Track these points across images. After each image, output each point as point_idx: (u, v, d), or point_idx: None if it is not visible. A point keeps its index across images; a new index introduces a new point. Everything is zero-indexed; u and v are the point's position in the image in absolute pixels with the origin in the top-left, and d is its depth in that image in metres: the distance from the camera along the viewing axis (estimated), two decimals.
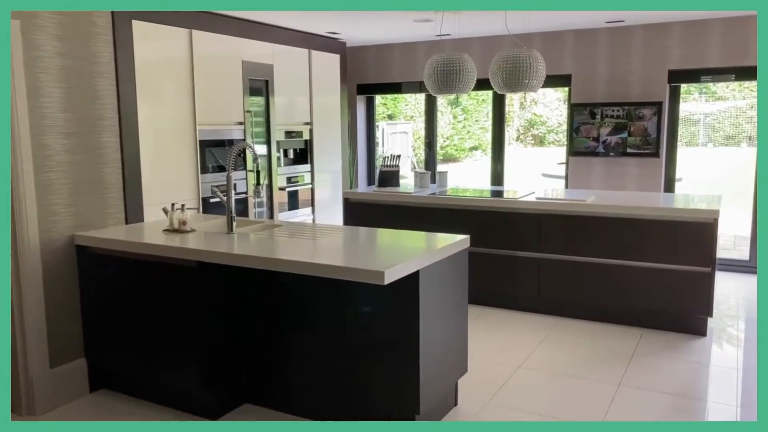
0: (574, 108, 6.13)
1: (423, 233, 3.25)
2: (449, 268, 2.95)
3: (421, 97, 16.83)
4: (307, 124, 6.08)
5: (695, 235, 4.03)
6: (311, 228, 3.41)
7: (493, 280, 4.73)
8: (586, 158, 6.14)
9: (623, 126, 5.91)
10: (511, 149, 18.88)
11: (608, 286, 4.34)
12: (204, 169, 4.98)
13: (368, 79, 7.19)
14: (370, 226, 5.19)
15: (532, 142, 17.48)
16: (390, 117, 13.68)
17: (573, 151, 6.18)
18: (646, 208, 4.16)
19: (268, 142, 5.60)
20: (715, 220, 3.98)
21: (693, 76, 5.73)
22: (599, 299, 4.39)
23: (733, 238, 7.62)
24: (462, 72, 4.75)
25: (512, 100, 19.00)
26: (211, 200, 4.94)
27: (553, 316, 4.60)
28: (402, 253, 2.77)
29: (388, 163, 5.42)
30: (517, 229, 4.60)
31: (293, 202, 5.96)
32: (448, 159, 16.17)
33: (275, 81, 5.61)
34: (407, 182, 5.71)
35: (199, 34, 4.81)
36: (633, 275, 4.25)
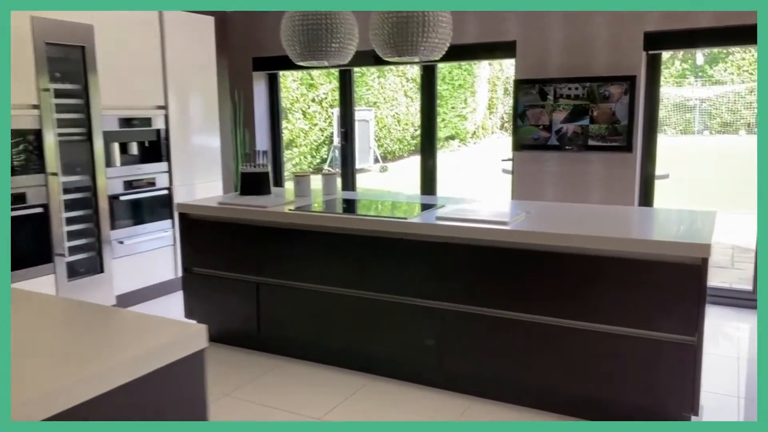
0: (519, 86, 4.57)
1: (137, 316, 1.64)
2: (142, 400, 1.41)
3: (392, 80, 15.12)
4: (160, 108, 4.52)
5: (672, 284, 2.51)
6: None
7: (381, 337, 3.20)
8: (535, 153, 4.60)
9: (583, 109, 4.36)
10: (494, 138, 17.39)
11: (540, 357, 2.81)
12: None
13: (268, 50, 5.62)
14: (211, 256, 3.55)
15: None
16: None
17: (518, 144, 4.64)
18: (591, 237, 2.62)
19: (89, 134, 4.05)
20: (704, 261, 2.44)
21: (678, 40, 4.18)
22: (528, 376, 2.86)
23: (731, 250, 6.09)
24: (332, 30, 3.21)
25: (495, 86, 17.47)
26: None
27: (466, 396, 3.07)
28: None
29: (250, 163, 3.88)
30: (409, 264, 3.06)
31: (139, 213, 4.42)
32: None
33: (98, 48, 4.04)
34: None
35: None
36: (576, 342, 2.72)
